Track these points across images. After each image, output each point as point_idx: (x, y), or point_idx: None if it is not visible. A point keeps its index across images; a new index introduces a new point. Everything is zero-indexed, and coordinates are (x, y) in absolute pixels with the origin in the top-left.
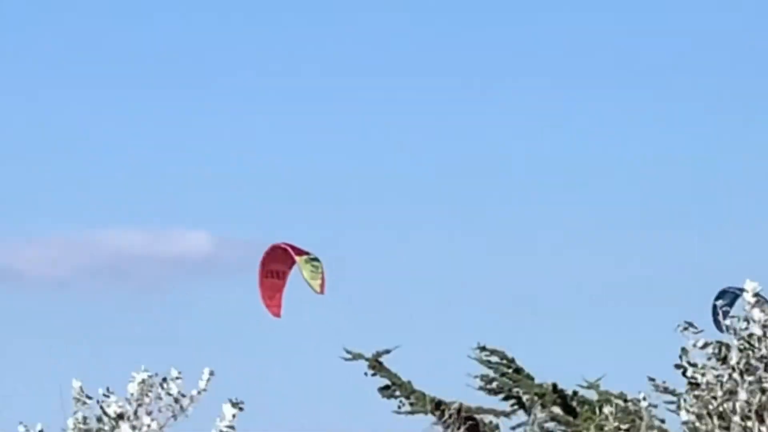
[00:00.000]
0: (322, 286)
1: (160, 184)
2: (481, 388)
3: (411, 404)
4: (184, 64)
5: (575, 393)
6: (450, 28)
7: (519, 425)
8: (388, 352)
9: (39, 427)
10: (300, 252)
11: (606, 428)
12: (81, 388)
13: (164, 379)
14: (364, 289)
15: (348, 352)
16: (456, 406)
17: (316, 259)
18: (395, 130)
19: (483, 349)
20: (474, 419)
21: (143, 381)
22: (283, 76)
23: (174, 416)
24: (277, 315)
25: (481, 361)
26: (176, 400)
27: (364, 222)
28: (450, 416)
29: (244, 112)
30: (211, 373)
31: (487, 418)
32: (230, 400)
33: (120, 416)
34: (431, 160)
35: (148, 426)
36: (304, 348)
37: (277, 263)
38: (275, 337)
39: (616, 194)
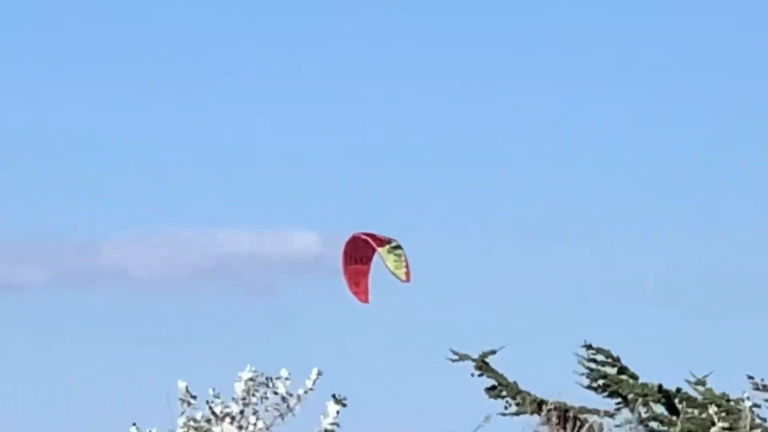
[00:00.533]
0: (407, 274)
1: (270, 185)
2: (586, 387)
3: (517, 404)
4: (275, 68)
5: (678, 390)
6: (456, 28)
7: (623, 423)
8: (494, 352)
9: (153, 429)
10: (381, 241)
11: (711, 429)
12: (186, 388)
13: (270, 379)
14: (466, 288)
15: (454, 352)
16: (560, 406)
17: (398, 247)
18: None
19: (589, 347)
20: (578, 419)
21: (251, 380)
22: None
23: (281, 416)
24: (365, 301)
25: (587, 360)
26: (283, 399)
27: (472, 222)
28: (557, 416)
29: (346, 113)
30: (319, 373)
31: (591, 417)
32: (334, 396)
33: (226, 416)
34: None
35: (255, 425)
36: (410, 348)
37: (359, 251)
38: (382, 337)
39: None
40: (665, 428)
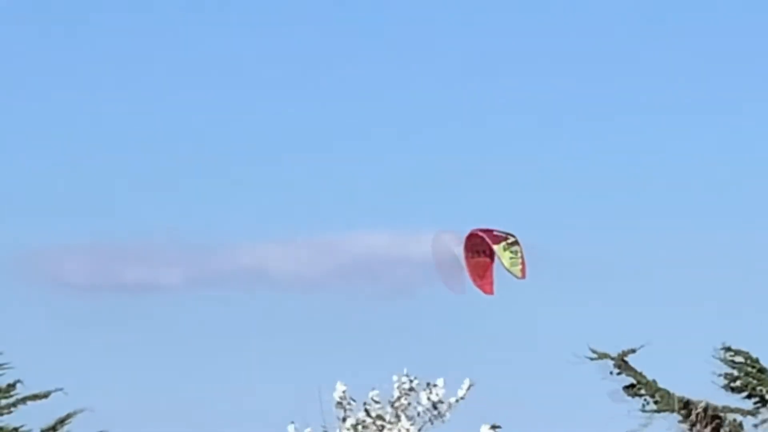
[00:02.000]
0: (523, 270)
1: (409, 186)
2: (724, 387)
3: (656, 402)
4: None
5: None
6: None
7: (762, 422)
8: (633, 351)
9: (308, 430)
10: (497, 238)
11: None
12: (344, 392)
13: (428, 384)
14: (606, 288)
15: (593, 351)
16: (703, 405)
17: (514, 243)
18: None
19: (728, 349)
20: (719, 417)
21: (406, 385)
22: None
23: (431, 421)
24: (490, 292)
25: (725, 361)
26: (435, 406)
27: (605, 218)
28: (697, 415)
29: (481, 114)
30: (471, 384)
31: (732, 416)
32: (491, 426)
33: (380, 418)
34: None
35: (407, 430)
36: (549, 347)
37: (479, 245)
38: (519, 336)
39: None
40: None
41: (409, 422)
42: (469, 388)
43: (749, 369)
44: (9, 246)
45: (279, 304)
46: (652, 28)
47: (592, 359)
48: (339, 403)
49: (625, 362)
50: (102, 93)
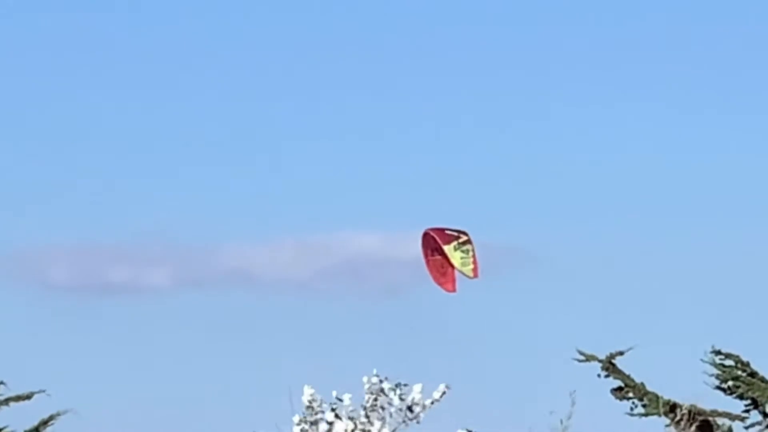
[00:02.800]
0: (475, 270)
1: (394, 187)
2: (716, 388)
3: (644, 406)
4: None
5: None
6: None
7: (753, 425)
8: (621, 353)
9: None
10: (447, 237)
11: None
12: (312, 395)
13: (398, 385)
14: (595, 290)
15: (581, 353)
16: (689, 408)
17: (466, 242)
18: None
19: (718, 353)
20: (707, 421)
21: (376, 386)
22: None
23: (404, 422)
24: (452, 290)
25: (716, 365)
26: (410, 409)
27: (596, 219)
28: (683, 418)
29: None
30: (447, 388)
31: (721, 420)
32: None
33: (350, 419)
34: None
35: (379, 431)
36: (539, 350)
37: (433, 245)
38: (507, 339)
39: None
40: None
41: (380, 423)
42: (443, 393)
43: (739, 373)
44: None
45: (265, 306)
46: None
47: (580, 361)
48: (309, 407)
49: (613, 365)
50: (90, 92)
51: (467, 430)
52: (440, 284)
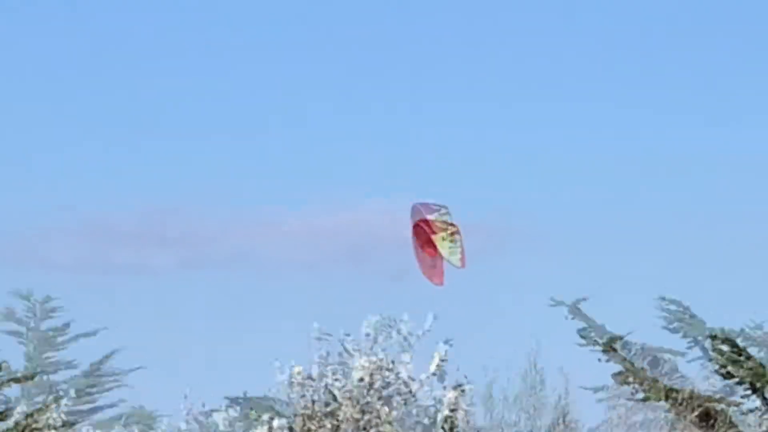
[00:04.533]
0: (462, 260)
1: (399, 170)
2: (663, 328)
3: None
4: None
5: (742, 330)
6: None
7: (694, 359)
8: (584, 299)
9: (292, 362)
10: (431, 209)
11: None
12: (319, 329)
13: (395, 321)
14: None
15: (552, 299)
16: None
17: (455, 233)
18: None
19: (663, 299)
20: (655, 356)
21: (377, 321)
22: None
23: (403, 351)
24: (440, 283)
25: (662, 309)
26: (405, 339)
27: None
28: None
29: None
30: (434, 317)
31: (667, 356)
32: (444, 341)
33: (356, 351)
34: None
35: (381, 359)
36: (520, 298)
37: (423, 234)
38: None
39: None
40: (731, 364)
41: (383, 352)
42: (432, 322)
43: (681, 315)
44: None
45: (267, 286)
46: None
47: (551, 306)
48: (318, 339)
49: (578, 309)
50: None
51: (458, 384)
52: (429, 277)
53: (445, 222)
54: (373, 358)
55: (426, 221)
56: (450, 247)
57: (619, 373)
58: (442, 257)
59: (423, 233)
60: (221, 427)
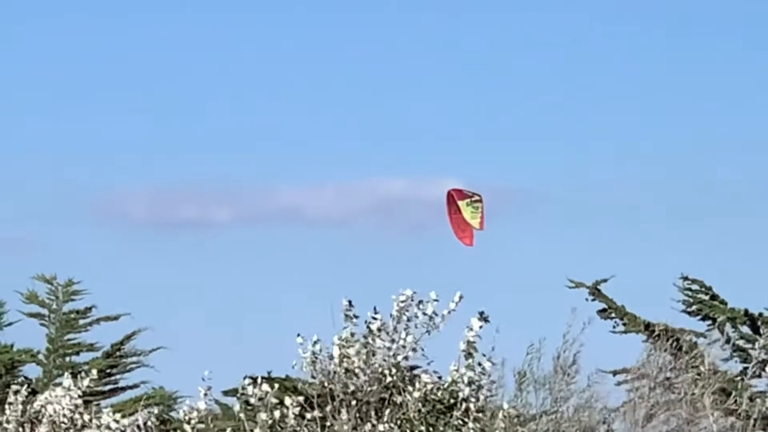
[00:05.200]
0: (481, 222)
1: (423, 137)
2: (682, 311)
3: (624, 324)
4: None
5: (761, 314)
6: None
7: (714, 341)
8: (605, 280)
9: (315, 338)
10: (463, 195)
11: None
12: (350, 303)
13: (420, 301)
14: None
15: (571, 281)
16: (662, 326)
17: (478, 201)
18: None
19: (686, 279)
20: (677, 339)
21: (404, 301)
22: None
23: (428, 331)
24: (470, 245)
25: (684, 289)
26: (430, 318)
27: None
28: (660, 335)
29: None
30: (461, 297)
31: (688, 337)
32: (479, 313)
33: (381, 330)
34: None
35: (405, 339)
36: (533, 278)
37: (453, 204)
38: (506, 270)
39: None
40: (749, 345)
41: (406, 332)
42: (459, 302)
43: (703, 296)
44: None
45: (312, 239)
46: None
47: (570, 288)
48: (346, 316)
49: (598, 290)
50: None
51: (481, 313)
52: (460, 239)
53: (471, 192)
54: (399, 341)
55: (458, 190)
56: (472, 212)
57: (603, 310)
58: (469, 223)
59: (452, 201)
60: (253, 401)
